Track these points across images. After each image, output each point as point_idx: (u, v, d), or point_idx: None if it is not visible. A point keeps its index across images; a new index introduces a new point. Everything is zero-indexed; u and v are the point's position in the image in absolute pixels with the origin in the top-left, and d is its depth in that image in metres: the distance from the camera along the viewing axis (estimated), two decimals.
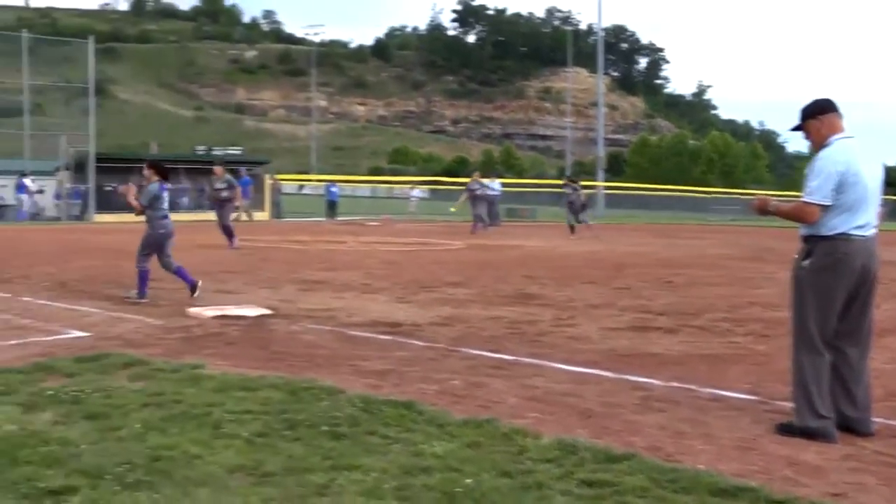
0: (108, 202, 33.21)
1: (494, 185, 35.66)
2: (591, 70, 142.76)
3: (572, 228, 29.02)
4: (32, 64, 39.53)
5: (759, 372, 7.21)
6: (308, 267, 15.86)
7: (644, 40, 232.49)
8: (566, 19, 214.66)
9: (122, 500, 3.93)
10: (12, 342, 7.96)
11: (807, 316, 5.35)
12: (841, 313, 5.35)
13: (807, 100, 5.59)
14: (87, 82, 38.04)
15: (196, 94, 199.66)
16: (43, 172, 36.09)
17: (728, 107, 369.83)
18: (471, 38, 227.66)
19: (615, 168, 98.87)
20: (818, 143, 5.46)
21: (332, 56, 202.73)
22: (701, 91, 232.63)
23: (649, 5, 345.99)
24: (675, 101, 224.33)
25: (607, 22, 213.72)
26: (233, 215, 21.86)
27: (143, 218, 11.49)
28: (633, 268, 16.94)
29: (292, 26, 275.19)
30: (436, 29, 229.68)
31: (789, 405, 5.59)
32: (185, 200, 37.84)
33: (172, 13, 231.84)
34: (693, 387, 6.57)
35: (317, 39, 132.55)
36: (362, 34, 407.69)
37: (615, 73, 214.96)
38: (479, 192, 30.75)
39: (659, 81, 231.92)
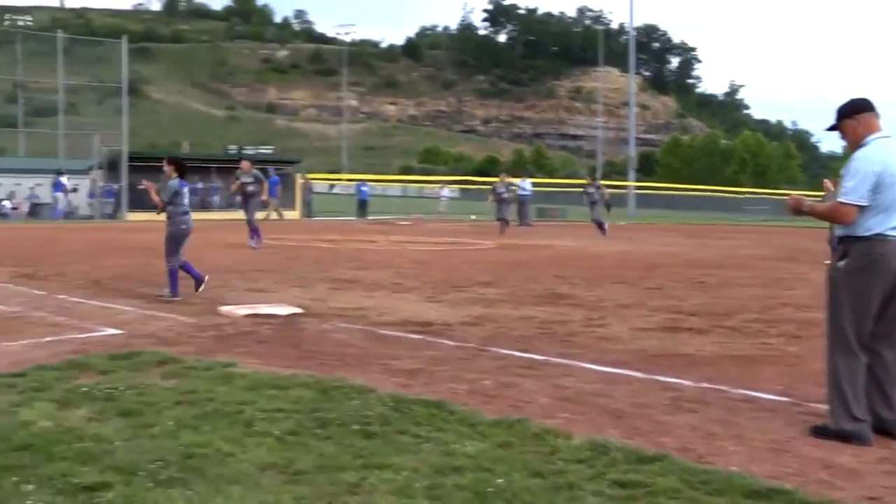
0: (141, 201, 33.34)
1: (525, 185, 35.62)
2: (622, 69, 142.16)
3: (601, 226, 28.92)
4: (67, 64, 40.03)
5: (791, 373, 7.15)
6: (339, 266, 15.91)
7: (676, 39, 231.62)
8: (597, 18, 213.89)
9: (155, 496, 3.96)
10: (47, 339, 8.05)
11: (842, 317, 5.30)
12: (877, 315, 5.29)
13: (842, 99, 5.55)
14: (120, 82, 38.40)
15: (228, 93, 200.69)
16: (76, 171, 36.47)
17: (760, 106, 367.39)
18: (502, 38, 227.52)
19: (646, 168, 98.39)
20: (854, 143, 5.40)
21: (363, 56, 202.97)
22: (733, 90, 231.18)
23: (681, 4, 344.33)
24: (707, 101, 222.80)
25: (639, 21, 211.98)
26: (262, 214, 21.87)
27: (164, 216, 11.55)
28: (664, 268, 16.86)
29: (323, 26, 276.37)
30: (467, 28, 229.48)
31: (823, 407, 5.54)
32: (216, 199, 38.11)
33: (205, 13, 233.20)
34: (724, 388, 6.52)
35: (348, 39, 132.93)
36: (393, 34, 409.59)
37: (647, 73, 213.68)
38: (504, 195, 30.60)
39: (691, 81, 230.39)
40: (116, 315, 9.67)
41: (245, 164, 20.86)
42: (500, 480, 4.21)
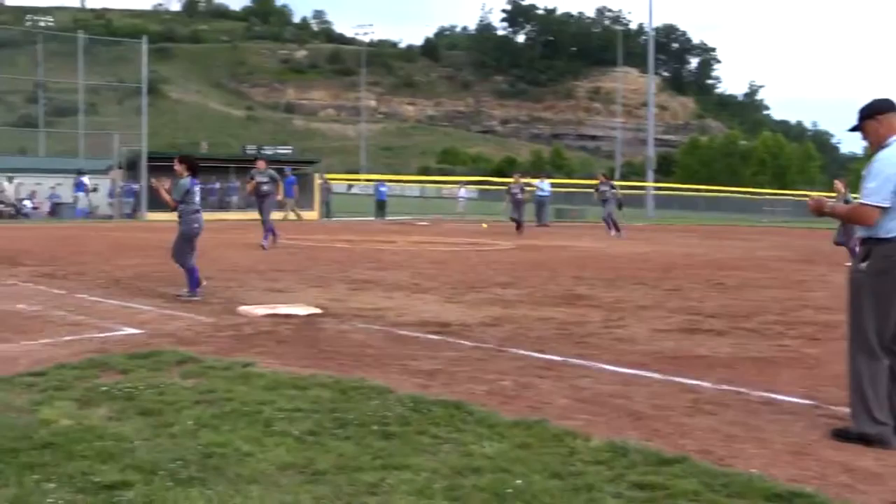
0: (160, 201, 33.61)
1: (544, 185, 35.52)
2: (641, 70, 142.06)
3: (614, 225, 28.83)
4: (87, 64, 40.25)
5: (811, 376, 7.11)
6: (357, 266, 15.92)
7: (695, 40, 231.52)
8: (616, 19, 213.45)
9: (175, 495, 3.97)
10: (67, 338, 8.09)
11: (864, 320, 5.26)
12: None
13: (863, 99, 5.52)
14: (140, 82, 38.54)
15: (247, 93, 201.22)
16: (96, 171, 36.66)
17: (780, 107, 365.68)
18: (520, 38, 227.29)
19: (665, 169, 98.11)
20: (876, 144, 5.37)
21: (382, 56, 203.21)
22: (753, 91, 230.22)
23: (701, 5, 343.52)
24: (727, 102, 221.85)
25: (658, 21, 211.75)
26: (280, 214, 21.81)
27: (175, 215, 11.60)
28: (683, 269, 16.81)
29: (342, 26, 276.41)
30: (485, 29, 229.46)
31: (844, 410, 5.51)
32: (234, 199, 38.24)
33: (224, 13, 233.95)
34: (744, 390, 6.49)
35: (366, 39, 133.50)
36: (412, 34, 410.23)
37: (666, 74, 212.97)
38: (520, 197, 30.50)
39: (710, 81, 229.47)
40: (136, 314, 9.71)
41: (260, 164, 20.76)
42: (518, 482, 4.20)
